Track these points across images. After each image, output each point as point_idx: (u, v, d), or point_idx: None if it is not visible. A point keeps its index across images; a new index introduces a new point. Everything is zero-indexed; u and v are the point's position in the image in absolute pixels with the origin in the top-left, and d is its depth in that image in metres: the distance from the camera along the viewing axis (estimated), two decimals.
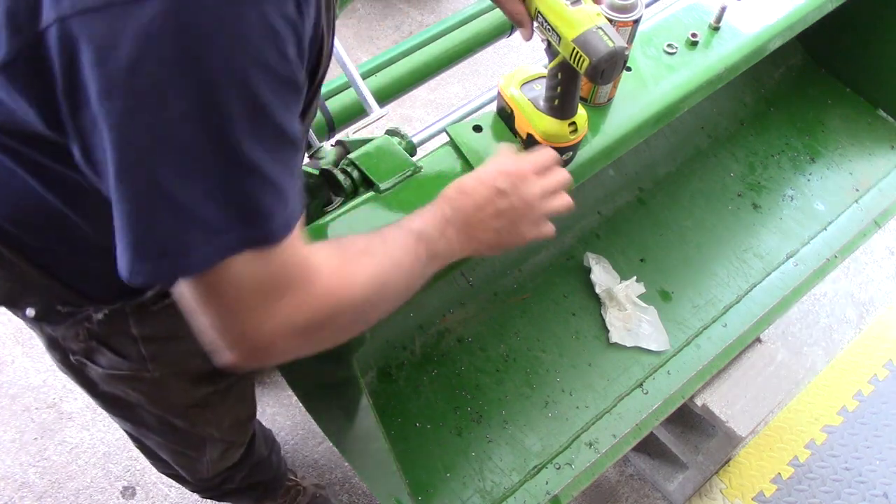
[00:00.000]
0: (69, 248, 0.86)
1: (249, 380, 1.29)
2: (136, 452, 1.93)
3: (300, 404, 1.41)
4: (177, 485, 1.88)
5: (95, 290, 0.91)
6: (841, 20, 1.49)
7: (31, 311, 0.93)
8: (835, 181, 1.69)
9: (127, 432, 1.30)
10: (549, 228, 0.95)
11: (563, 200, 0.94)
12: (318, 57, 0.76)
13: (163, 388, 1.09)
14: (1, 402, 1.99)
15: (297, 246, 0.70)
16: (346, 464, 1.91)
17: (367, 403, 1.02)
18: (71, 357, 1.01)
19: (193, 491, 1.59)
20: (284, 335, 0.70)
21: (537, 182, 0.91)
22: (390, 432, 1.31)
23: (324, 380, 1.19)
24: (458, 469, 1.30)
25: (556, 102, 0.98)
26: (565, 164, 1.05)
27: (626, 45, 0.88)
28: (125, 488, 1.90)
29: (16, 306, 0.93)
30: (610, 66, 0.87)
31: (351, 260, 0.76)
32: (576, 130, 1.00)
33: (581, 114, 1.01)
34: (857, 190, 1.68)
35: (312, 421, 1.46)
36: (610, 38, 0.86)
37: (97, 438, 1.96)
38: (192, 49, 0.57)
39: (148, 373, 1.04)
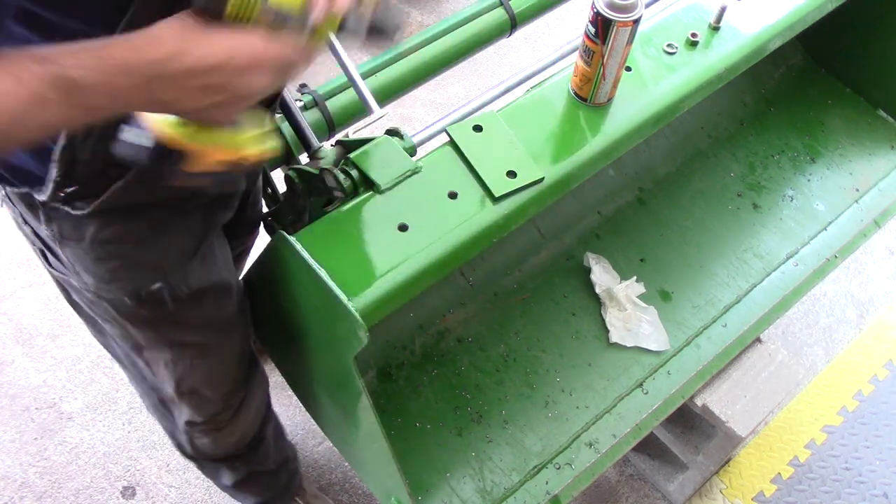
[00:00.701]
0: None
1: (218, 358, 1.23)
2: (136, 452, 1.95)
3: (300, 404, 1.41)
4: (177, 484, 1.89)
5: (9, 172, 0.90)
6: (841, 20, 1.49)
7: None
8: (835, 181, 1.69)
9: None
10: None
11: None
12: None
13: (106, 319, 1.09)
14: (1, 402, 1.99)
15: None
16: (346, 464, 1.91)
17: (367, 403, 1.02)
18: (33, 246, 1.05)
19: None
20: None
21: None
22: (390, 432, 1.31)
23: (324, 380, 1.19)
24: (458, 469, 1.30)
25: None
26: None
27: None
28: (125, 488, 1.90)
29: None
30: None
31: None
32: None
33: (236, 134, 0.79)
34: (857, 190, 1.68)
35: (312, 421, 1.46)
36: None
37: (97, 438, 1.96)
38: None
39: (77, 283, 1.04)
